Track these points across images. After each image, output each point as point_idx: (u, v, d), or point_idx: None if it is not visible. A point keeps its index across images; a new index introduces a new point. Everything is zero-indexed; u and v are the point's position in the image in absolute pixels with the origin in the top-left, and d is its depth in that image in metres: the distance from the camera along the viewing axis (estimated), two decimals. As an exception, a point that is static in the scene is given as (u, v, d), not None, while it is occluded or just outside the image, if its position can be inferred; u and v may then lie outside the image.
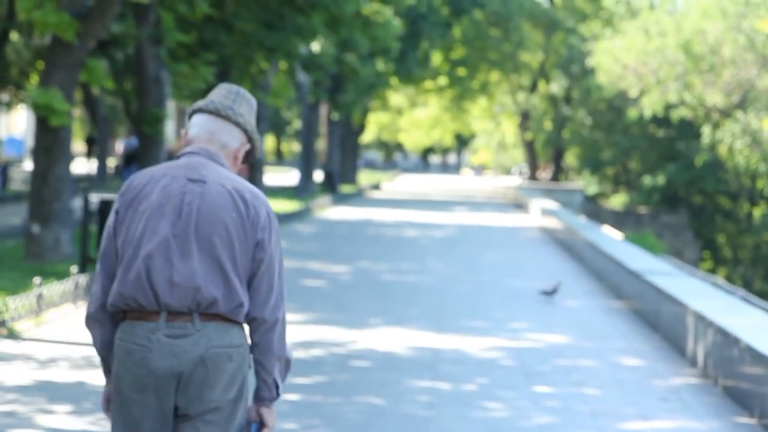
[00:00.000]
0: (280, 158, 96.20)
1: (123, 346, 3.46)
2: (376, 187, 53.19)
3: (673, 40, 38.59)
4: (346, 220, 28.88)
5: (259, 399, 3.56)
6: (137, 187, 3.52)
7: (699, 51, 37.75)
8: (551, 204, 32.24)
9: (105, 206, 13.28)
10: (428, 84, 57.25)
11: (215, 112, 3.60)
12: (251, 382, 3.63)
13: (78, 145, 67.98)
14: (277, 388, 3.56)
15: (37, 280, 10.66)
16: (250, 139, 3.66)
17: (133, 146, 24.37)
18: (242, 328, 3.53)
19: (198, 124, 3.61)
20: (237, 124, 3.61)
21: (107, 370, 3.61)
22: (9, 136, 55.59)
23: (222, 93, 3.63)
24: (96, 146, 40.79)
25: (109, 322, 3.54)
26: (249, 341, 3.58)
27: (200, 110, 3.62)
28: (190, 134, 3.62)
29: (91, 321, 3.56)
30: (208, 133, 3.59)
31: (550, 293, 13.44)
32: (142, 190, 3.51)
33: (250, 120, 3.64)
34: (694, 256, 44.38)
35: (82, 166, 42.86)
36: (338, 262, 17.49)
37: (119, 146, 21.88)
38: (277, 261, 3.53)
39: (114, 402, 3.51)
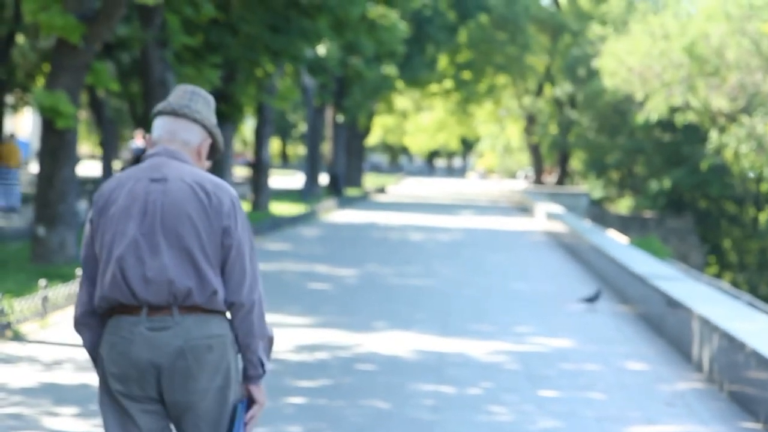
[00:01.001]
0: (285, 161, 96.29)
1: (108, 340, 3.64)
2: (382, 190, 53.19)
3: (677, 43, 38.59)
4: (352, 223, 28.88)
5: (247, 378, 3.73)
6: (106, 194, 3.71)
7: (703, 54, 37.74)
8: (556, 208, 32.22)
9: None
10: (434, 87, 57.27)
11: (173, 113, 3.77)
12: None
13: (88, 148, 67.99)
14: (263, 365, 3.73)
15: (42, 282, 10.67)
16: (210, 134, 3.82)
17: (141, 149, 24.41)
18: (224, 318, 3.68)
19: (159, 126, 3.79)
20: (195, 121, 3.78)
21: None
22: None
23: (178, 94, 3.81)
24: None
25: (96, 325, 3.73)
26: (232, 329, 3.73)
27: (160, 113, 3.80)
28: (153, 137, 3.79)
29: (78, 325, 3.75)
30: (168, 133, 3.77)
31: (592, 300, 13.33)
32: (110, 196, 3.69)
33: (208, 116, 3.81)
34: (700, 260, 44.33)
35: (89, 168, 42.92)
36: (343, 265, 17.48)
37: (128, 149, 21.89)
38: (246, 245, 3.68)
39: (103, 396, 3.68)
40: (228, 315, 3.71)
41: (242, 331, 3.67)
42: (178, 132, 3.77)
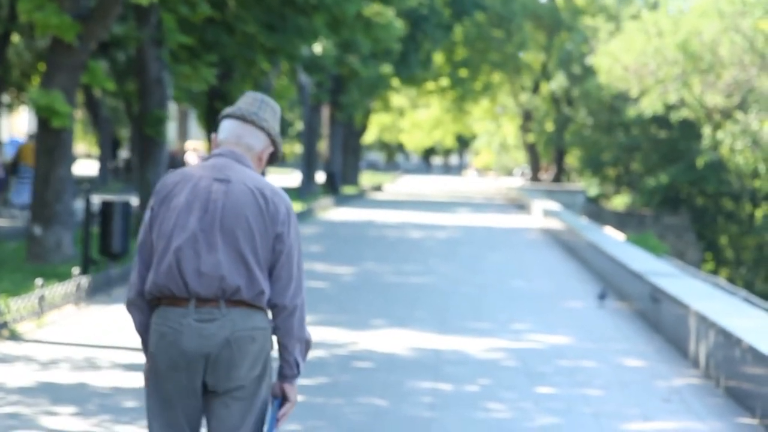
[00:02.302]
0: (282, 160, 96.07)
1: (158, 330, 3.84)
2: (378, 188, 53.17)
3: (671, 40, 38.62)
4: (349, 221, 28.88)
5: (282, 376, 3.95)
6: (169, 186, 3.91)
7: (697, 51, 37.77)
8: (553, 205, 32.23)
9: (107, 208, 13.27)
10: (430, 85, 57.23)
11: (242, 118, 3.98)
12: (275, 362, 3.96)
13: (84, 147, 67.91)
14: (298, 366, 3.94)
15: (38, 281, 10.66)
16: (273, 142, 4.04)
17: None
18: (265, 312, 3.89)
19: (226, 128, 4.00)
20: (261, 129, 3.99)
21: (146, 348, 3.98)
22: (11, 137, 55.59)
23: (248, 100, 4.02)
24: (119, 148, 40.77)
25: (146, 306, 3.94)
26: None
27: (228, 116, 4.00)
28: (219, 138, 4.01)
29: (130, 306, 3.97)
30: (235, 136, 3.98)
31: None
32: (173, 189, 3.89)
33: (273, 125, 4.03)
34: (697, 257, 44.35)
35: (85, 167, 42.88)
36: (341, 263, 17.48)
37: (188, 156, 21.57)
38: (295, 252, 3.90)
39: (150, 379, 3.89)
40: (269, 313, 3.91)
41: (282, 331, 3.89)
42: (244, 137, 3.97)
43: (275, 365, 3.95)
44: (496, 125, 72.25)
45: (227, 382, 3.81)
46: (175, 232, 3.82)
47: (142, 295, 3.92)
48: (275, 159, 4.07)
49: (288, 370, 3.93)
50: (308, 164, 39.95)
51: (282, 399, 3.95)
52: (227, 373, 3.81)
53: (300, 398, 7.72)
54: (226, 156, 3.93)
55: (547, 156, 63.44)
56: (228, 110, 4.01)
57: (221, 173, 3.88)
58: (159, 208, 3.89)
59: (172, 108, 42.57)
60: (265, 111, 4.00)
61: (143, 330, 3.97)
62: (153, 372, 3.87)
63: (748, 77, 37.18)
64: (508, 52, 55.98)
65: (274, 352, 3.96)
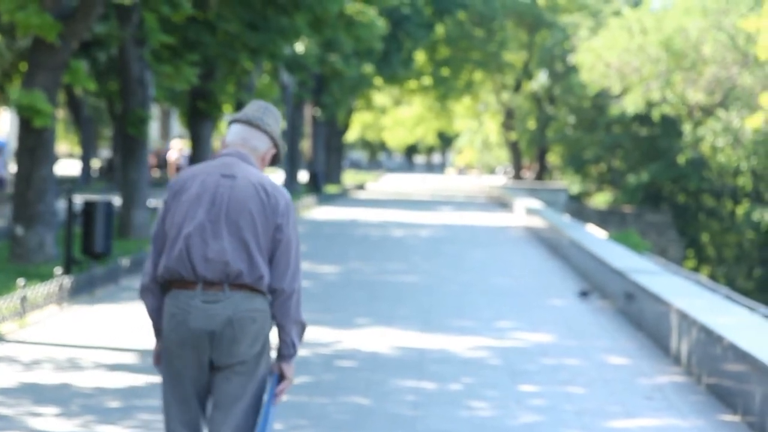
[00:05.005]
0: (282, 160, 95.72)
1: (169, 310, 4.30)
2: (361, 187, 53.15)
3: (654, 38, 38.75)
4: (332, 220, 28.88)
5: (280, 356, 4.38)
6: (181, 182, 4.36)
7: (680, 48, 37.90)
8: (535, 203, 32.31)
9: (89, 208, 13.24)
10: (412, 84, 57.24)
11: (248, 122, 4.47)
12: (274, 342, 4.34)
13: (67, 147, 67.62)
14: (294, 346, 4.37)
15: (20, 281, 10.63)
16: (275, 145, 4.52)
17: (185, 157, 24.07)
18: (265, 296, 4.33)
19: (234, 131, 4.48)
20: (265, 132, 4.47)
21: (158, 332, 4.43)
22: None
23: (254, 107, 4.51)
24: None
25: (158, 291, 4.38)
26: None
27: (236, 121, 4.49)
28: (227, 140, 4.48)
29: (144, 291, 4.40)
30: (241, 138, 4.46)
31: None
32: (184, 184, 4.35)
33: (275, 129, 4.50)
34: (678, 254, 44.51)
35: (67, 167, 42.69)
36: (324, 262, 17.48)
37: (170, 154, 20.98)
38: (293, 242, 4.34)
39: (163, 357, 4.35)
40: (269, 296, 4.34)
41: (280, 313, 4.32)
42: (250, 139, 4.45)
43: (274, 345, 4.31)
44: (479, 123, 72.31)
45: (229, 358, 4.24)
46: (186, 221, 4.27)
47: (155, 280, 4.35)
48: (277, 160, 4.53)
49: (285, 350, 4.35)
50: (291, 163, 39.92)
51: (279, 376, 4.34)
52: (229, 350, 4.23)
53: (283, 397, 7.73)
54: (232, 155, 4.39)
55: (529, 154, 63.56)
56: (236, 115, 4.46)
57: (228, 170, 4.33)
58: (172, 201, 4.34)
59: (154, 108, 42.42)
60: (268, 116, 4.46)
61: (155, 314, 4.39)
62: (165, 350, 4.31)
63: (730, 75, 37.35)
64: (489, 51, 56.03)
65: (273, 332, 4.34)
